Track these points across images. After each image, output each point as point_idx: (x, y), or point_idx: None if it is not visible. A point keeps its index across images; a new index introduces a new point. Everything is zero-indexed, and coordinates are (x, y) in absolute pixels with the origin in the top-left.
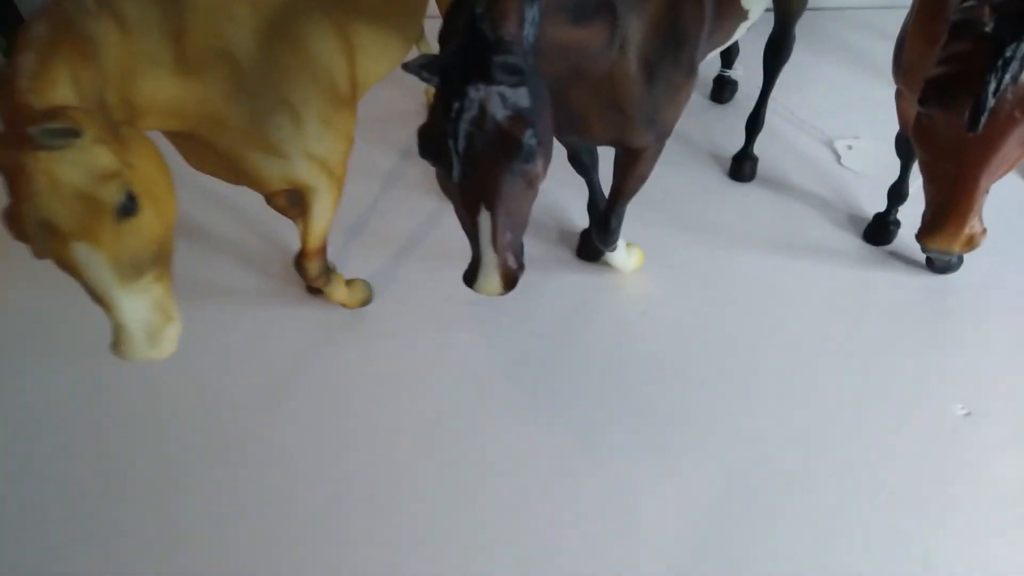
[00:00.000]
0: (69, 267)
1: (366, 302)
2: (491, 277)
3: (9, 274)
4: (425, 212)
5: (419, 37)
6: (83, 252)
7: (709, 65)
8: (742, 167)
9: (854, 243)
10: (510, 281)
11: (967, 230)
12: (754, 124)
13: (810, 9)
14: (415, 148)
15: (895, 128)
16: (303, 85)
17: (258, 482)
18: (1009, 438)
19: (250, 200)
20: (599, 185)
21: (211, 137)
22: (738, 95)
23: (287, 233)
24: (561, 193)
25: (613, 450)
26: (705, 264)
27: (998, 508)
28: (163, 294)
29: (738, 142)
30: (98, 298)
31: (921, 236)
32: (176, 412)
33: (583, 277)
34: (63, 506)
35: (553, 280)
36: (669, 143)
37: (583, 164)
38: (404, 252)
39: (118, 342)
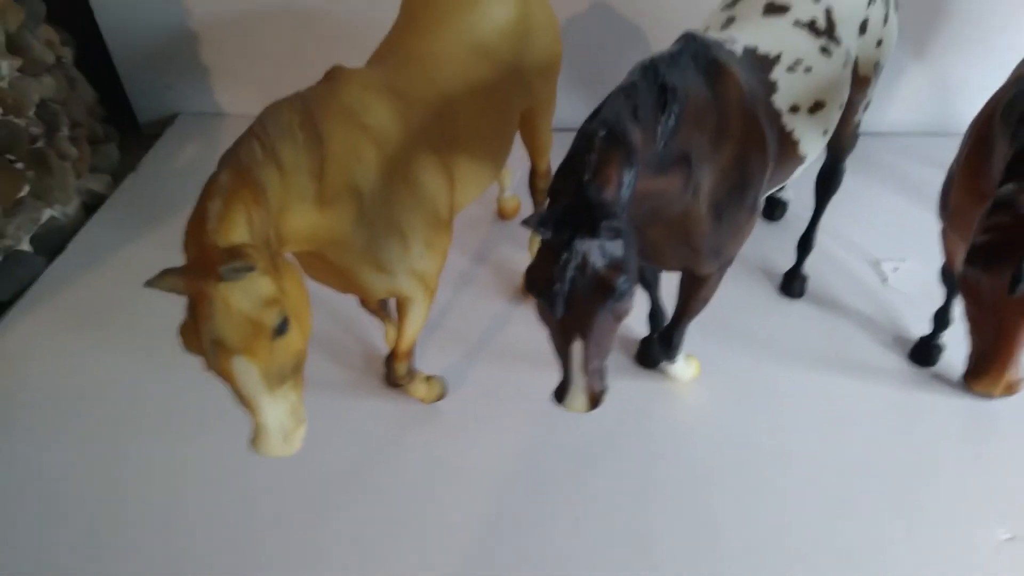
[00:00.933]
0: (226, 376)
1: (441, 397)
2: (579, 398)
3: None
4: (493, 314)
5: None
6: (242, 365)
7: None
8: (792, 284)
9: (899, 363)
10: (596, 401)
11: (1008, 377)
12: (805, 245)
13: (862, 137)
14: (486, 252)
15: (938, 252)
16: (413, 214)
17: (327, 568)
18: None
19: (338, 298)
20: (660, 299)
21: (333, 257)
22: (788, 214)
23: (370, 330)
24: None
25: (662, 554)
26: (756, 377)
27: None
28: (297, 400)
29: (788, 259)
30: (245, 402)
31: (967, 379)
32: (250, 494)
33: (641, 384)
34: None
35: (612, 385)
36: None
37: (646, 280)
38: (474, 351)
39: (257, 440)
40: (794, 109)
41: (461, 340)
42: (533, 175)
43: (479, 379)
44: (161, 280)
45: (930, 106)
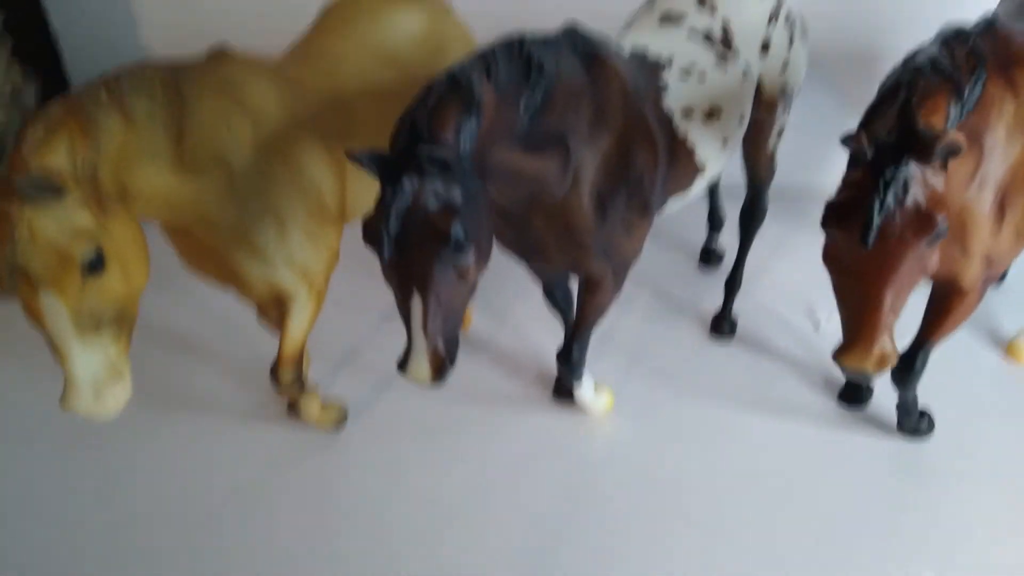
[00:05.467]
0: (34, 314)
1: (339, 424)
2: (421, 362)
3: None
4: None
5: None
6: (48, 300)
7: (698, 232)
8: (722, 325)
9: (828, 405)
10: (439, 369)
11: (877, 348)
12: (731, 285)
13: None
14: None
15: None
16: (291, 198)
17: None
18: None
19: (245, 318)
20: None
21: (203, 235)
22: (726, 261)
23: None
24: (542, 335)
25: None
26: (675, 416)
27: None
28: (117, 355)
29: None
30: (55, 348)
31: (836, 355)
32: (149, 512)
33: (555, 417)
34: None
35: (526, 418)
36: (656, 299)
37: (557, 302)
38: (386, 383)
39: (65, 393)
40: (687, 113)
41: (374, 372)
42: None
43: (386, 411)
44: None
45: None
